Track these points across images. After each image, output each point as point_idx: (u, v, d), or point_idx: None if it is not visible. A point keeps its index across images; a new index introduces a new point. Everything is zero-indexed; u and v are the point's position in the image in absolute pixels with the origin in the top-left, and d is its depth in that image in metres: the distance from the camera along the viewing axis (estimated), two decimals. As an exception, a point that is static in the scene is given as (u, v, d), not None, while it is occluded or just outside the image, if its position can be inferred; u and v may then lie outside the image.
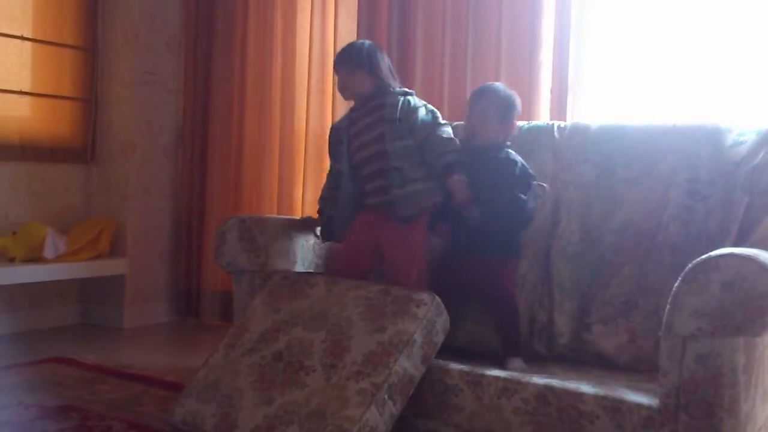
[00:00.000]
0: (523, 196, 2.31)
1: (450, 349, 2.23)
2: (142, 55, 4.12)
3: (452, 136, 2.45)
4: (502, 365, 2.17)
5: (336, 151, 2.62)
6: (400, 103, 2.46)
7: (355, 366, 2.01)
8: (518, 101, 2.45)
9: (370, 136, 2.48)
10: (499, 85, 2.53)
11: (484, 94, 2.43)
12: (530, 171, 2.38)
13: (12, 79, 3.79)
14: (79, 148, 4.10)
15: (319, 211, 2.66)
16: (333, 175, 2.63)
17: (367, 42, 2.69)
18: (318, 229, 2.68)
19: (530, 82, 3.14)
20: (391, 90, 2.53)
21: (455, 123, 2.89)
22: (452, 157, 2.37)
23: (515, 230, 2.38)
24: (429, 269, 2.43)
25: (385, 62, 2.59)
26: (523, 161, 2.39)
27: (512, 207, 2.30)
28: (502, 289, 2.34)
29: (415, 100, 2.51)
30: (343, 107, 3.69)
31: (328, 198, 2.62)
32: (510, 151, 2.41)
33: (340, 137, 2.60)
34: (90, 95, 4.11)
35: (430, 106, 2.52)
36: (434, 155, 2.40)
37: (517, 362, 2.20)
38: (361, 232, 2.52)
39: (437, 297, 2.16)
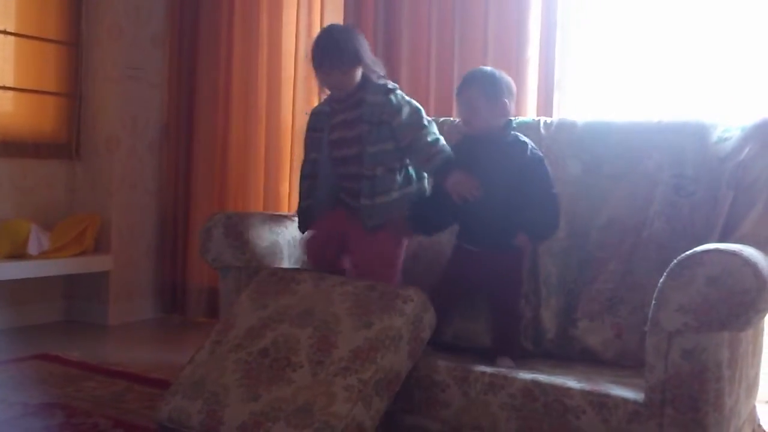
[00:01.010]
0: (553, 190, 2.25)
1: (436, 345, 2.23)
2: (127, 50, 4.09)
3: (438, 136, 2.35)
4: (491, 361, 2.17)
5: (313, 137, 2.53)
6: (382, 103, 2.35)
7: (342, 362, 2.01)
8: (504, 78, 2.32)
9: (349, 135, 2.41)
10: (484, 68, 2.44)
11: (466, 82, 2.34)
12: (540, 153, 2.29)
13: (-5, 75, 3.76)
14: (63, 144, 4.07)
15: (298, 205, 2.61)
16: (308, 164, 2.54)
17: (347, 28, 2.54)
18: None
19: (517, 79, 3.13)
20: (374, 83, 2.40)
21: (441, 118, 2.90)
22: (440, 160, 2.29)
23: (554, 214, 2.27)
24: (435, 271, 2.41)
25: (367, 46, 2.44)
26: (532, 143, 2.30)
27: (549, 208, 2.24)
28: (512, 290, 2.30)
29: (398, 98, 2.37)
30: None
31: (305, 189, 2.55)
32: (517, 133, 2.32)
33: (320, 124, 2.51)
34: (74, 90, 4.08)
35: (415, 104, 2.40)
36: (420, 161, 2.35)
37: (508, 361, 2.19)
38: (330, 224, 2.49)
39: (424, 293, 2.16)
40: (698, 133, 2.36)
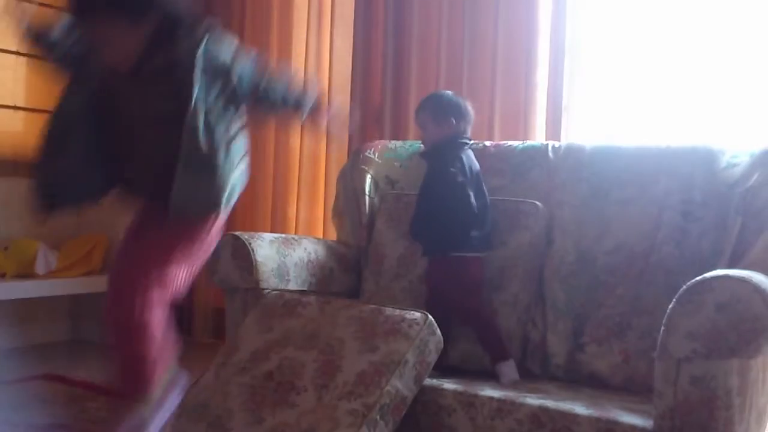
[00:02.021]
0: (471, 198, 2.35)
1: (443, 368, 2.21)
2: (137, 72, 4.11)
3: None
4: (494, 375, 2.17)
5: None
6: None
7: (346, 386, 1.99)
8: (453, 101, 2.50)
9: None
10: (435, 93, 2.72)
11: (418, 107, 2.54)
12: (455, 175, 2.36)
13: (6, 95, 3.78)
14: (73, 164, 4.08)
15: None
16: None
17: None
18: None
19: (526, 103, 3.16)
20: None
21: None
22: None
23: (462, 222, 2.37)
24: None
25: None
26: (463, 162, 2.39)
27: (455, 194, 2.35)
28: (469, 296, 2.35)
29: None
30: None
31: None
32: (465, 149, 2.44)
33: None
34: (84, 111, 4.10)
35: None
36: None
37: (507, 367, 2.22)
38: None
39: (430, 317, 2.15)
40: (707, 158, 2.35)
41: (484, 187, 2.44)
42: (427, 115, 2.49)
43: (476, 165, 2.47)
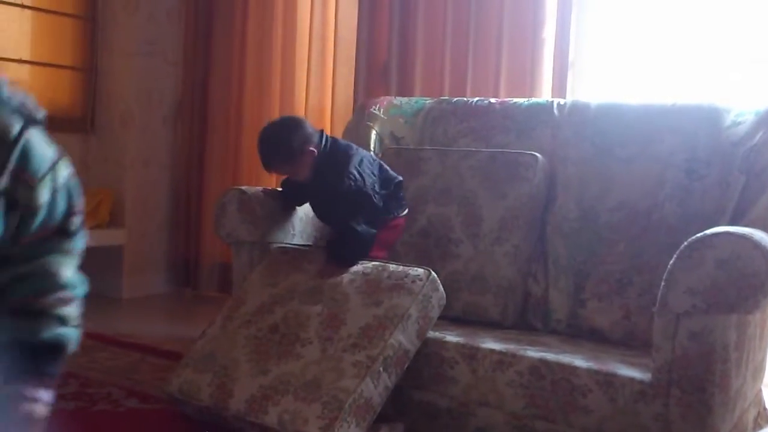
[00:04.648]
0: (355, 225, 2.28)
1: (446, 320, 2.25)
2: (143, 25, 4.10)
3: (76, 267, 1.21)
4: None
5: None
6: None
7: (351, 339, 2.03)
8: (293, 131, 2.36)
9: None
10: (271, 135, 2.41)
11: (267, 159, 2.40)
12: (361, 185, 2.31)
13: (11, 48, 3.77)
14: (78, 118, 4.09)
15: None
16: None
17: None
18: None
19: (533, 60, 3.14)
20: None
21: (455, 98, 2.90)
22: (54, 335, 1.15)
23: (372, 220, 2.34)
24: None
25: None
26: (357, 175, 2.32)
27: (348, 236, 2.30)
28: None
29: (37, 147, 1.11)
30: (345, 83, 3.69)
31: None
32: (337, 170, 2.33)
33: None
34: (90, 65, 4.10)
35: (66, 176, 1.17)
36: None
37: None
38: None
39: (433, 273, 2.18)
40: (711, 117, 2.35)
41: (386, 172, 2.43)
42: (282, 162, 2.39)
43: (369, 155, 2.42)
